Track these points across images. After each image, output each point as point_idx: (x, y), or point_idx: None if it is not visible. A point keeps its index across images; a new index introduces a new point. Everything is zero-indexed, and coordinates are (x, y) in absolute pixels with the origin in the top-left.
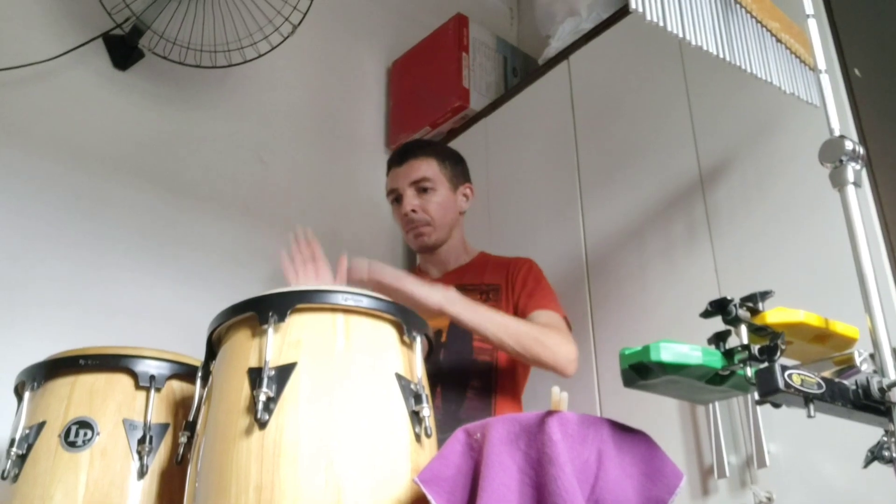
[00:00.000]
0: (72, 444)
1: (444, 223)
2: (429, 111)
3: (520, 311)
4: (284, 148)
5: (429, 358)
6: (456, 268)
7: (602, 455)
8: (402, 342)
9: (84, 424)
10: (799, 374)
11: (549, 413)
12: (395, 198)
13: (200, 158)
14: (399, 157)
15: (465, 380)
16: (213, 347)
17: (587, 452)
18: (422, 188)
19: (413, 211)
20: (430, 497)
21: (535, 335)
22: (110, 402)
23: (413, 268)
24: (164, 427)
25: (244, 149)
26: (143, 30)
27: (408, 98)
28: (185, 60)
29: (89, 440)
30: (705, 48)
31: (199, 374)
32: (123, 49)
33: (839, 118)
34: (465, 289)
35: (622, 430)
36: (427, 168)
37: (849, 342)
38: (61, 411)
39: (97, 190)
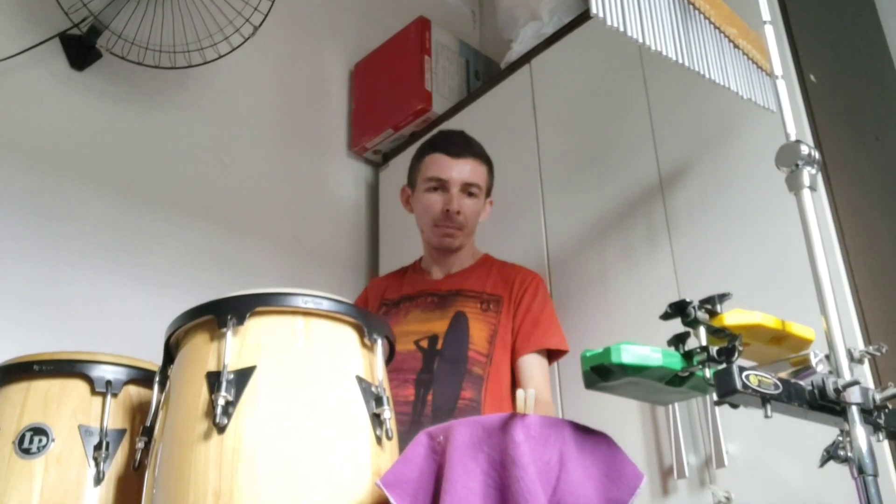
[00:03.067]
0: (26, 451)
1: (471, 231)
2: (391, 114)
3: (517, 347)
4: (245, 150)
5: (425, 366)
6: (459, 271)
7: (564, 456)
8: (363, 345)
9: (38, 431)
10: (756, 375)
11: (512, 415)
12: (436, 187)
13: (159, 160)
14: (455, 148)
15: (457, 389)
16: (170, 352)
17: (549, 454)
18: (470, 192)
19: (458, 212)
20: (392, 500)
21: None
22: (65, 407)
23: (410, 265)
24: (121, 433)
25: (204, 151)
26: (101, 29)
27: (370, 101)
28: (144, 61)
29: (44, 447)
30: (664, 53)
31: (157, 378)
32: (80, 49)
33: (795, 123)
34: (465, 295)
35: (583, 432)
36: (480, 175)
37: (805, 343)
38: (15, 417)
39: (53, 192)
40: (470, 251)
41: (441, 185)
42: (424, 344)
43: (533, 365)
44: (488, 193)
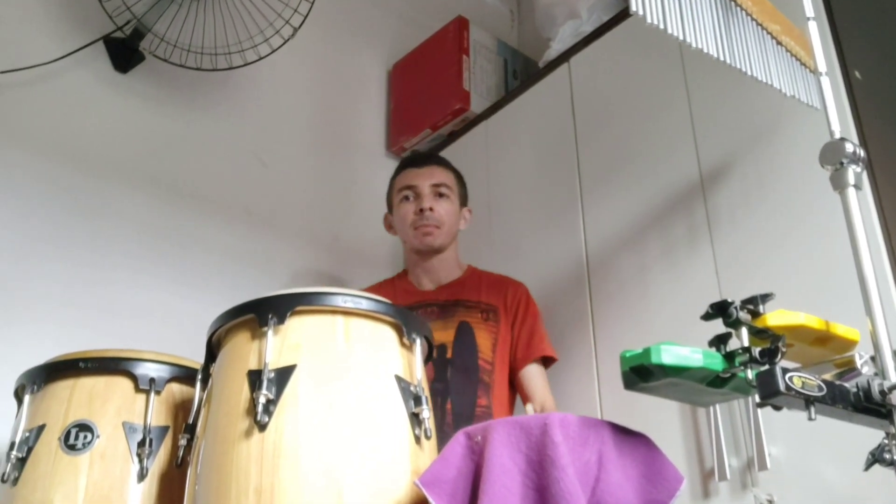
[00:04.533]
0: (71, 447)
1: (450, 231)
2: (429, 114)
3: (519, 357)
4: (285, 150)
5: (437, 376)
6: (449, 282)
7: (603, 457)
8: (402, 344)
9: (84, 427)
10: (800, 377)
11: (550, 416)
12: (408, 196)
13: (201, 161)
14: (419, 160)
15: (473, 397)
16: (212, 350)
17: (588, 454)
18: (440, 193)
19: (430, 209)
20: (431, 500)
21: None
22: (110, 404)
23: (395, 276)
24: (164, 430)
25: (245, 151)
26: (144, 32)
27: (408, 100)
28: (186, 63)
29: (89, 443)
30: (706, 51)
31: (199, 376)
32: (124, 52)
33: (840, 120)
34: (465, 305)
35: (623, 433)
36: (447, 177)
37: (849, 345)
38: (61, 414)
39: (97, 192)
40: (455, 261)
41: (412, 191)
42: (433, 353)
43: (537, 374)
44: (464, 202)
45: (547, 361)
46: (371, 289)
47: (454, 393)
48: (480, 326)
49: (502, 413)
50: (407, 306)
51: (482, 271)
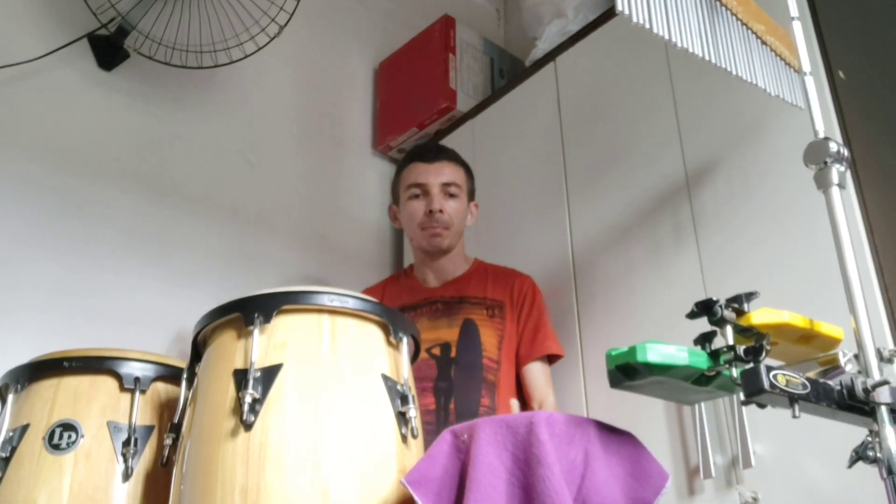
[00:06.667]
0: (56, 447)
1: (458, 231)
2: (416, 112)
3: (522, 354)
4: (271, 149)
5: (441, 375)
6: (455, 278)
7: (589, 455)
8: (389, 343)
9: (68, 427)
10: (784, 375)
11: (536, 414)
12: (417, 194)
13: (187, 159)
14: (430, 154)
15: (477, 396)
16: (198, 349)
17: (574, 452)
18: (450, 192)
19: (440, 211)
20: (417, 498)
21: None
22: (95, 404)
23: (401, 271)
24: (149, 429)
25: (231, 150)
26: (129, 30)
27: (395, 99)
28: (171, 61)
29: (73, 443)
30: (691, 50)
31: (185, 375)
32: (109, 49)
33: (824, 120)
34: (470, 301)
35: (609, 431)
36: (457, 174)
37: (833, 343)
38: (45, 413)
39: (82, 191)
40: (461, 256)
41: (422, 190)
42: (437, 352)
43: (540, 373)
44: (472, 197)
45: (552, 358)
46: (377, 286)
47: (458, 392)
48: (486, 324)
49: (507, 412)
50: (412, 304)
51: (488, 264)
